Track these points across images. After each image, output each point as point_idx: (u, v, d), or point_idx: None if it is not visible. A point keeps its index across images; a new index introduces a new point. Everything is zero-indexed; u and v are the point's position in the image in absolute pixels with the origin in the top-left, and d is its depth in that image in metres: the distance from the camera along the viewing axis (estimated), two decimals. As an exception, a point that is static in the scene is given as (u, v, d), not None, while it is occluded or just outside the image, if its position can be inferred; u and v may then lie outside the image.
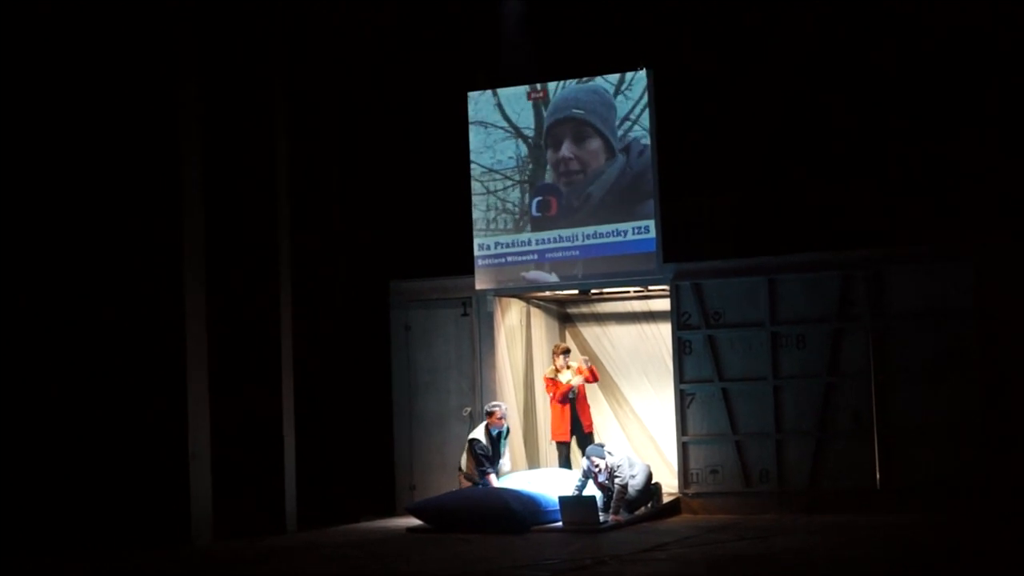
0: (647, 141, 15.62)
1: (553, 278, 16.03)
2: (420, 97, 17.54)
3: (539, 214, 16.11)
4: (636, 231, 15.70)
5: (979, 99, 15.30)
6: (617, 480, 14.24)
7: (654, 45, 16.48)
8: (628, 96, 15.74)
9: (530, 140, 16.23)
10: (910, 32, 15.67)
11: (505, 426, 15.17)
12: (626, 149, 15.74)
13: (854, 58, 16.04)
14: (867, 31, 16.01)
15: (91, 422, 14.15)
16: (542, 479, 15.01)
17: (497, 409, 15.12)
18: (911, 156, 15.58)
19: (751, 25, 16.53)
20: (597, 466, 14.32)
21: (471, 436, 15.15)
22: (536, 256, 16.14)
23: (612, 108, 15.75)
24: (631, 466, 14.56)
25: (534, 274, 16.09)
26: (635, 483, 14.50)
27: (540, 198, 16.11)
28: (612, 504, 14.22)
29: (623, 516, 14.27)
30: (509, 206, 16.31)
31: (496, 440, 15.06)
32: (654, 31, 16.73)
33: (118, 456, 14.04)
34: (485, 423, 15.11)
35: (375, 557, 12.52)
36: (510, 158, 16.31)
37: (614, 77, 15.82)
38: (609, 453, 14.42)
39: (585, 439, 15.95)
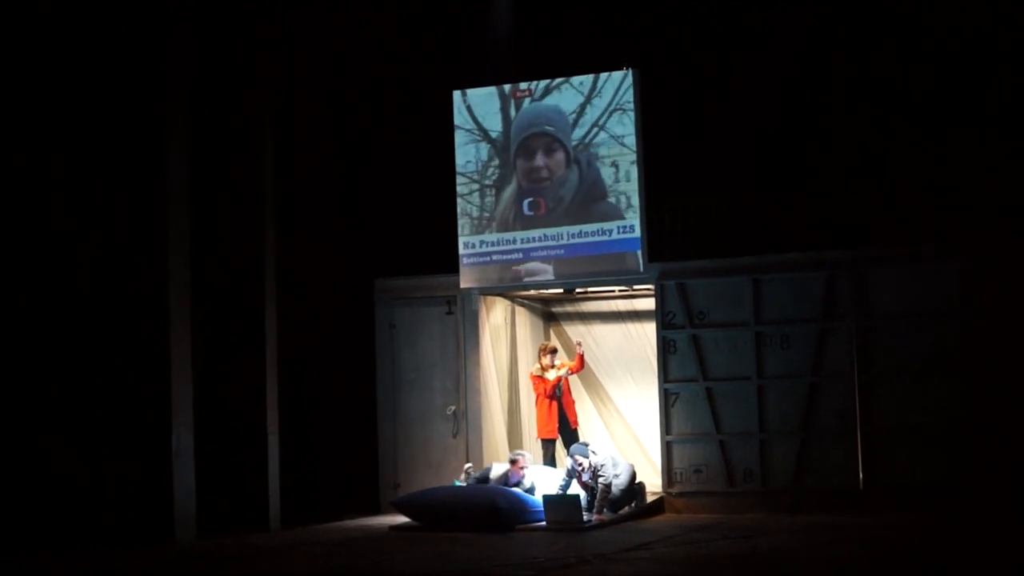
0: (594, 151, 15.98)
1: (549, 271, 16.09)
2: (407, 95, 17.53)
3: (531, 213, 16.23)
4: (621, 230, 15.73)
5: (966, 101, 15.33)
6: (601, 479, 14.25)
7: (639, 45, 16.51)
8: (596, 105, 15.93)
9: (497, 143, 16.33)
10: (900, 34, 15.70)
11: (527, 480, 14.75)
12: (577, 160, 16.07)
13: (841, 59, 16.06)
14: (857, 32, 16.03)
15: (74, 420, 14.10)
16: (528, 478, 14.97)
17: (520, 458, 14.86)
18: (897, 157, 15.60)
19: (738, 26, 16.55)
20: (580, 465, 14.33)
21: (495, 463, 15.14)
22: (521, 255, 16.16)
23: (569, 124, 16.18)
24: (615, 465, 14.57)
25: (531, 266, 16.13)
26: (619, 482, 14.51)
27: (531, 199, 16.23)
28: (596, 503, 14.24)
29: (607, 515, 14.28)
30: (470, 209, 16.40)
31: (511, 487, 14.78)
32: (639, 31, 16.75)
33: (102, 454, 14.00)
34: (508, 467, 14.99)
35: (359, 555, 12.51)
36: (469, 162, 16.45)
37: (587, 84, 15.94)
38: (593, 452, 14.43)
39: (571, 435, 15.98)
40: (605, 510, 14.30)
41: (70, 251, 14.28)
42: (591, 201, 15.99)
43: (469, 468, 15.29)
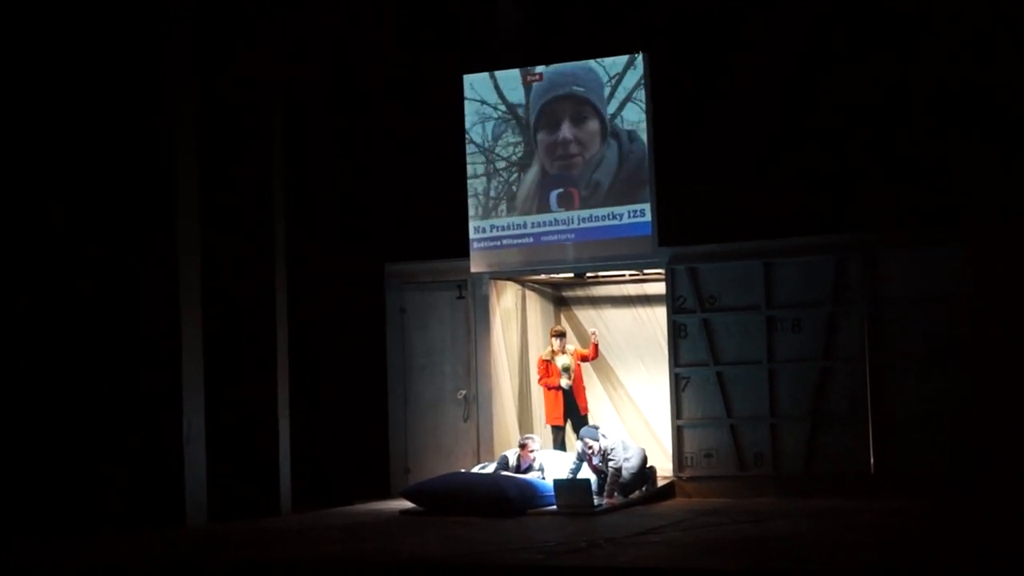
0: (633, 127, 15.57)
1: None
2: (416, 79, 17.51)
3: (561, 208, 15.94)
4: (632, 215, 15.70)
5: (975, 84, 15.25)
6: (611, 463, 14.26)
7: (650, 28, 16.44)
8: (629, 76, 15.69)
9: (508, 119, 16.20)
10: (907, 19, 15.63)
11: (536, 463, 14.83)
12: (616, 134, 15.66)
13: (850, 43, 15.99)
14: (864, 17, 15.95)
15: (86, 405, 14.15)
16: (538, 461, 14.98)
17: (529, 442, 14.93)
18: (907, 141, 15.54)
19: (748, 9, 16.47)
20: (591, 447, 14.33)
21: (508, 451, 15.15)
22: (532, 239, 16.14)
23: (604, 87, 15.57)
24: (625, 449, 14.57)
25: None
26: (629, 466, 14.51)
27: (561, 190, 15.98)
28: (606, 487, 14.24)
29: (617, 499, 14.29)
30: (480, 191, 16.34)
31: (521, 474, 14.75)
32: (651, 15, 16.67)
33: (113, 439, 14.06)
34: (519, 451, 15.03)
35: (370, 539, 12.54)
36: (478, 142, 16.33)
37: (617, 64, 15.75)
38: (603, 436, 14.44)
39: (581, 421, 16.00)
40: (616, 494, 14.30)
41: (84, 239, 14.32)
42: (637, 186, 15.59)
43: None
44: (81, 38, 14.34)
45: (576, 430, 16.02)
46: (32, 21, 14.30)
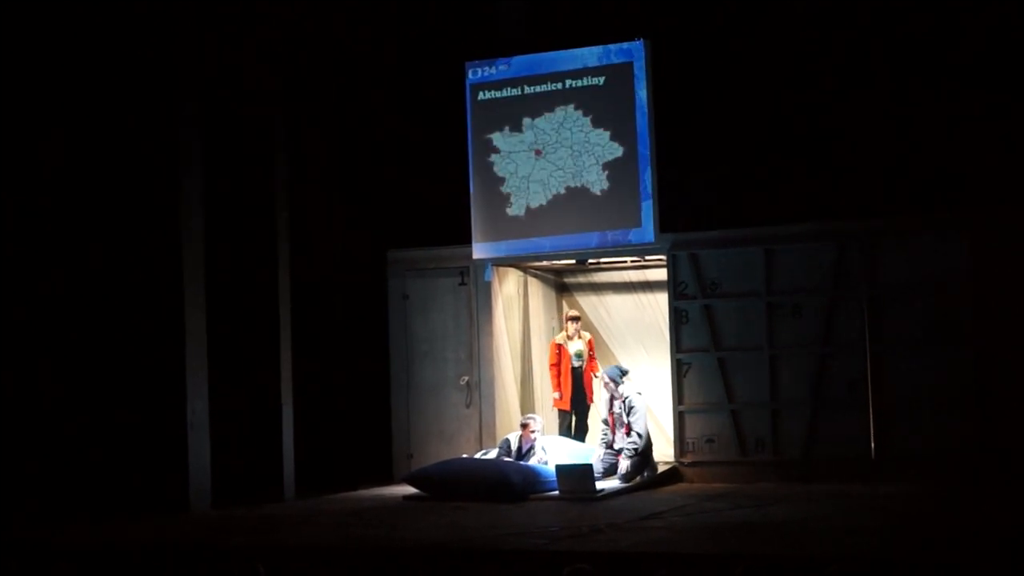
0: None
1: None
2: (417, 66, 17.52)
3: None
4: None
5: (976, 71, 15.27)
6: (629, 419, 14.55)
7: (651, 14, 16.44)
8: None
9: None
10: (904, 3, 15.65)
11: (538, 445, 14.83)
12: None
13: (850, 29, 16.00)
14: (861, 2, 15.97)
15: (91, 391, 14.21)
16: (540, 442, 15.02)
17: (530, 422, 14.95)
18: (907, 127, 15.56)
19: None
20: (609, 386, 14.69)
21: (510, 435, 15.20)
22: (533, 226, 16.21)
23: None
24: (639, 415, 14.69)
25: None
26: (633, 437, 14.65)
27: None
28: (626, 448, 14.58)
29: (623, 465, 14.51)
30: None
31: (523, 455, 14.85)
32: (652, 1, 16.67)
33: (117, 424, 14.11)
34: (520, 433, 15.09)
35: (373, 525, 12.58)
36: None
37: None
38: (628, 380, 14.80)
39: (585, 410, 16.13)
40: (621, 461, 14.56)
41: (89, 228, 14.36)
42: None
43: None
44: (89, 42, 14.38)
45: (578, 415, 16.13)
46: (39, 24, 14.34)
